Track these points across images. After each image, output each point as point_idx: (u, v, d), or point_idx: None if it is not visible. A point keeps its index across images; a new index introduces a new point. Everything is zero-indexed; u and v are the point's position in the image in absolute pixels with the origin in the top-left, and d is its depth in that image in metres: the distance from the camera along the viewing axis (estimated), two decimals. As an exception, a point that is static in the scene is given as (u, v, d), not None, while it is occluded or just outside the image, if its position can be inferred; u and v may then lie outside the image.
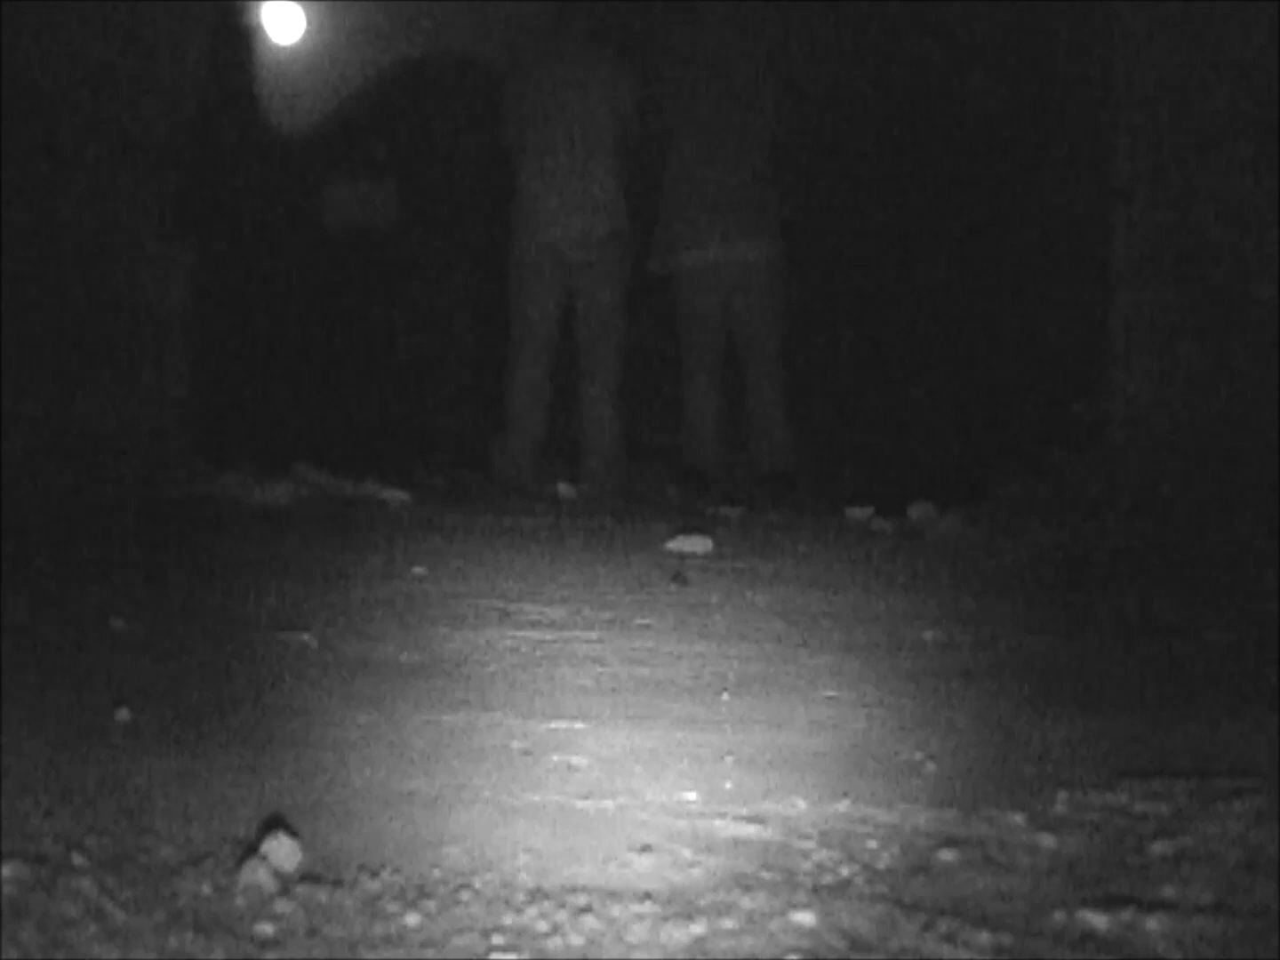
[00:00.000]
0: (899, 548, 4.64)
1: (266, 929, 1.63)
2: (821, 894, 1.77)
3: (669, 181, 6.18)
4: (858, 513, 5.26)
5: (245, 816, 1.97)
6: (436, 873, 1.81)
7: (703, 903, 1.73)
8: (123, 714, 2.45)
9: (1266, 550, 4.13)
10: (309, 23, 6.99)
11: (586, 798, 2.12)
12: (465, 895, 1.75)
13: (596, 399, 6.14)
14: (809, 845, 1.94)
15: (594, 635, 3.23)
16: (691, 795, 2.14)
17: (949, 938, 1.64)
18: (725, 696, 2.73)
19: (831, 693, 2.77)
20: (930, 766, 2.30)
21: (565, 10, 6.12)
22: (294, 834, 1.83)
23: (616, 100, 6.04)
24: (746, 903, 1.73)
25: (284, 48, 6.96)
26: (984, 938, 1.64)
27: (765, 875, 1.83)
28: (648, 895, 1.75)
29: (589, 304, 6.09)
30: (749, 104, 6.12)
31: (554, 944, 1.63)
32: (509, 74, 6.19)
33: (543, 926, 1.66)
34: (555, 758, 2.31)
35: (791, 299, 6.40)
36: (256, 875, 1.74)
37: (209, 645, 3.02)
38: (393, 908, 1.71)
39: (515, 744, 2.38)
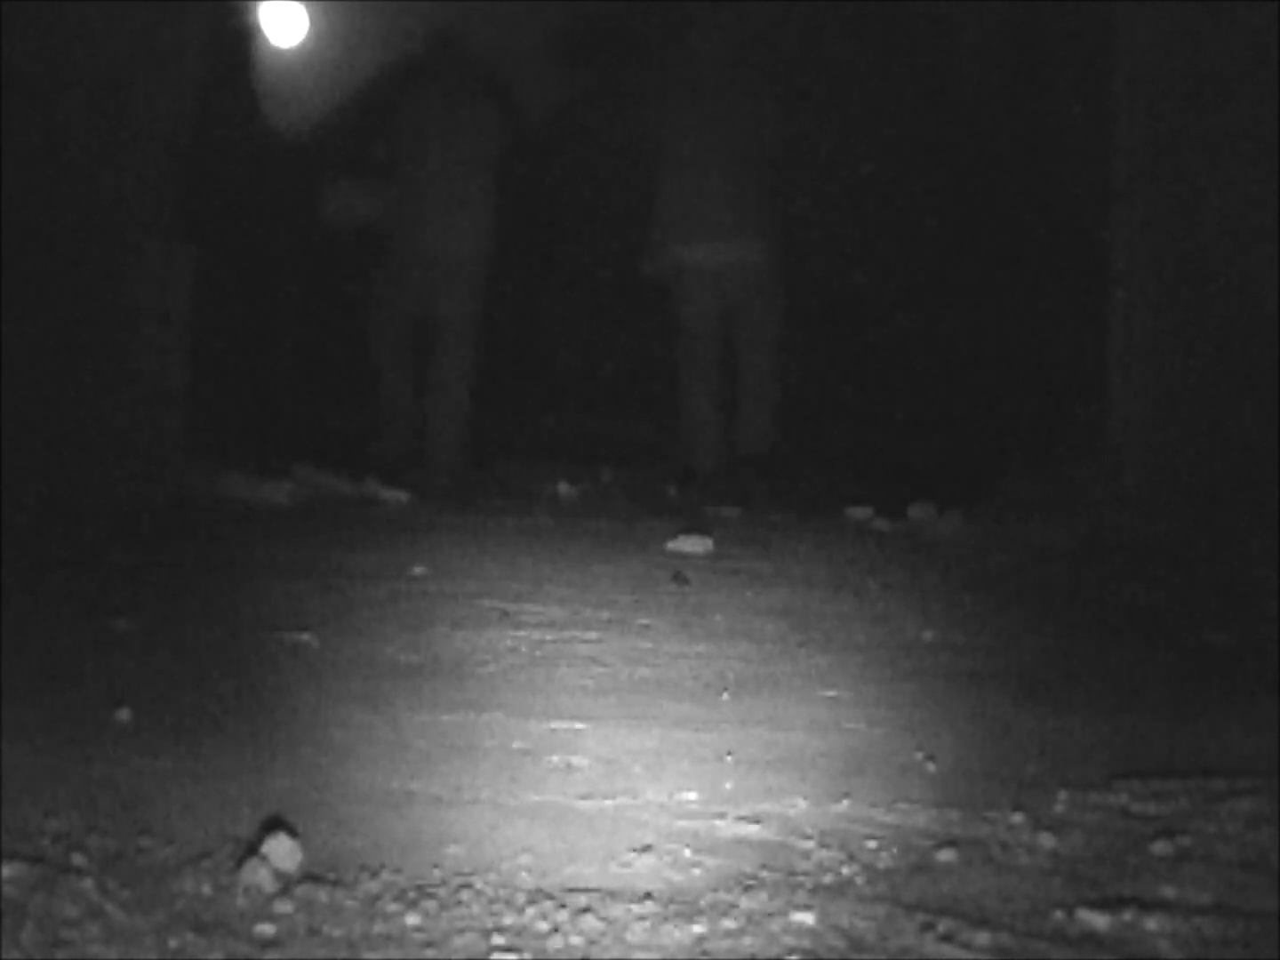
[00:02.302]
0: (899, 548, 4.64)
1: (266, 929, 1.63)
2: (821, 894, 1.77)
3: (663, 185, 6.20)
4: (858, 513, 5.26)
5: (245, 816, 1.97)
6: (436, 873, 1.81)
7: (703, 903, 1.73)
8: (123, 714, 2.44)
9: (1266, 550, 4.13)
10: (310, 23, 7.00)
11: (586, 798, 2.12)
12: (465, 895, 1.75)
13: (447, 393, 6.60)
14: (809, 845, 1.94)
15: (594, 635, 3.23)
16: (691, 795, 2.14)
17: (949, 938, 1.64)
18: (725, 696, 2.73)
19: (831, 693, 2.77)
20: (930, 766, 2.30)
21: (443, 45, 6.59)
22: (294, 834, 1.83)
23: (489, 127, 6.52)
24: (746, 903, 1.73)
25: (285, 49, 6.97)
26: (984, 938, 1.64)
27: (765, 875, 1.83)
28: (648, 895, 1.75)
29: (450, 314, 6.54)
30: (744, 110, 6.15)
31: (554, 944, 1.63)
32: (390, 97, 6.63)
33: (543, 926, 1.66)
34: (555, 758, 2.31)
35: (787, 298, 6.42)
36: (256, 875, 1.74)
37: (209, 645, 3.02)
38: (393, 908, 1.71)
39: (515, 744, 2.38)
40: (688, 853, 1.90)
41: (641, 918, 1.69)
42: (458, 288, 6.53)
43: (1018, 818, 2.04)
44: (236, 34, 6.73)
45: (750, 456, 6.22)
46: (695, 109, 6.17)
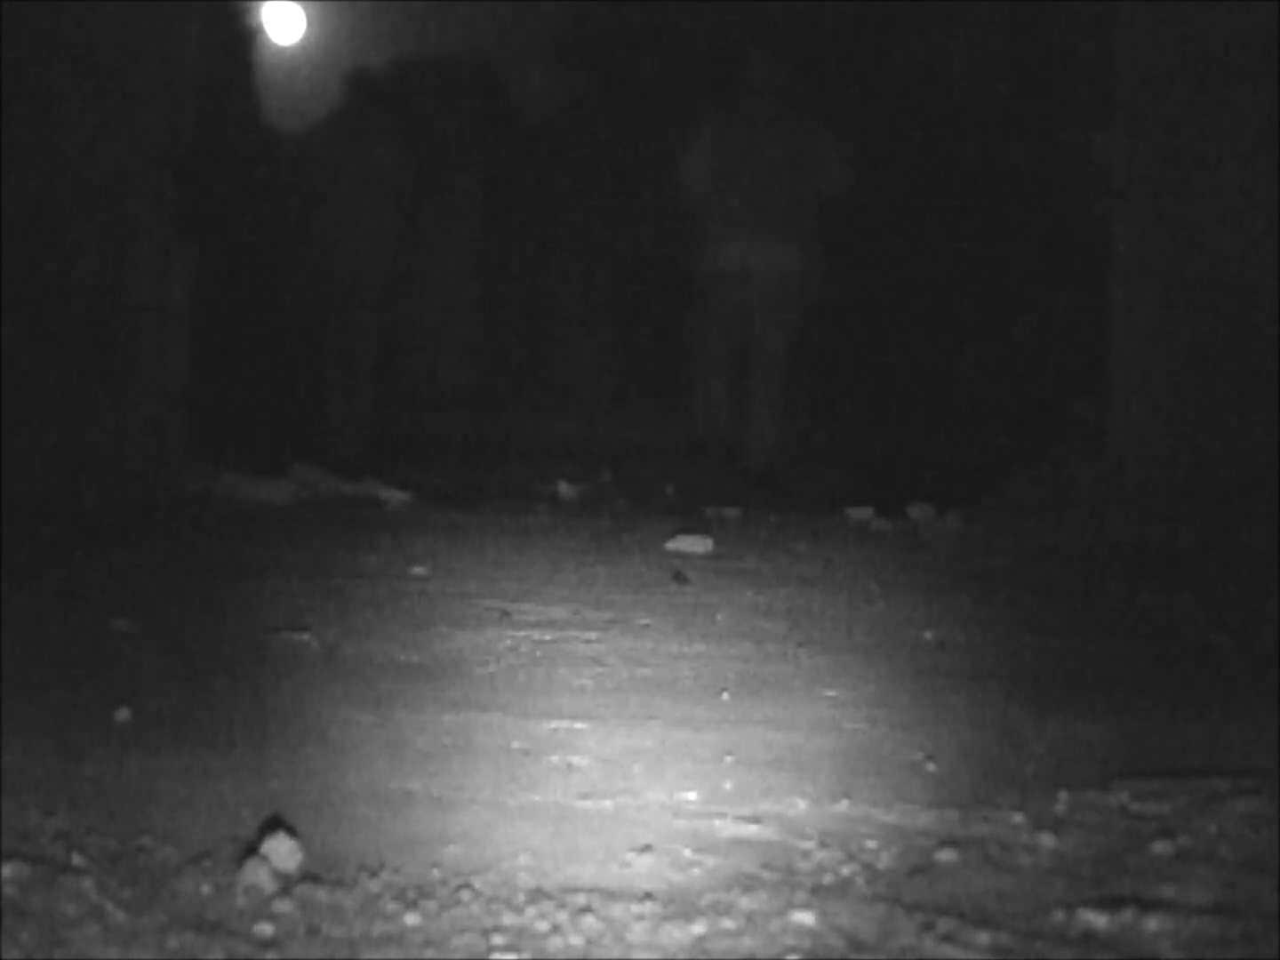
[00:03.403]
0: (899, 548, 4.64)
1: (266, 929, 1.63)
2: (821, 894, 1.77)
3: (713, 199, 6.41)
4: (858, 513, 5.26)
5: (245, 816, 1.97)
6: (436, 873, 1.81)
7: (703, 903, 1.73)
8: (123, 714, 2.44)
9: (1266, 550, 4.13)
10: (309, 23, 7.01)
11: (586, 798, 2.12)
12: (465, 895, 1.74)
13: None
14: (809, 845, 1.94)
15: (594, 635, 3.23)
16: (691, 795, 2.14)
17: (949, 938, 1.64)
18: (725, 696, 2.73)
19: (831, 693, 2.77)
20: (930, 766, 2.30)
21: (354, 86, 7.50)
22: (294, 834, 1.83)
23: (391, 159, 7.50)
24: (746, 903, 1.73)
25: (284, 48, 6.98)
26: (984, 938, 1.64)
27: (765, 875, 1.83)
28: (648, 895, 1.75)
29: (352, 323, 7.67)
30: (792, 139, 6.36)
31: (554, 944, 1.63)
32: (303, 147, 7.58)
33: (543, 926, 1.66)
34: (555, 758, 2.31)
35: (808, 311, 6.60)
36: (256, 875, 1.74)
37: (209, 645, 3.02)
38: (393, 908, 1.71)
39: (515, 744, 2.38)
40: (688, 853, 1.90)
41: (641, 918, 1.69)
42: (357, 302, 7.43)
43: (1018, 818, 2.04)
44: (236, 34, 6.73)
45: (755, 473, 6.40)
46: (746, 135, 6.37)
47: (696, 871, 1.84)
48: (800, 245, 6.46)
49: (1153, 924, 1.68)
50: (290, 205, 7.32)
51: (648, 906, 1.72)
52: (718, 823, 2.02)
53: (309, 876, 1.77)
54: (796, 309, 6.56)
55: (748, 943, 1.63)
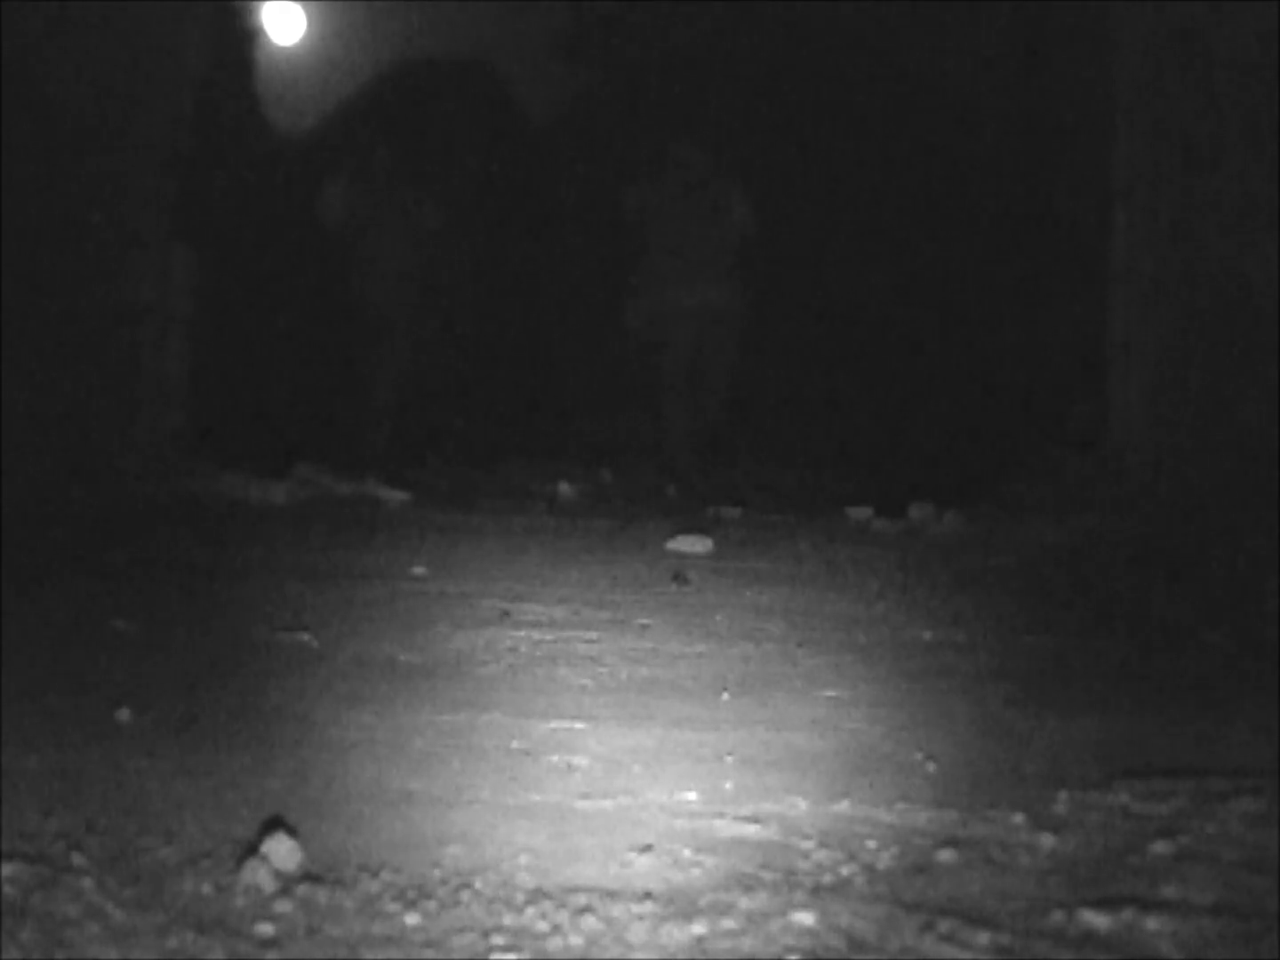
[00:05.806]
0: (899, 548, 4.64)
1: (266, 929, 1.63)
2: (821, 894, 1.77)
3: (650, 248, 6.70)
4: (858, 513, 5.27)
5: (245, 816, 1.97)
6: (436, 873, 1.81)
7: (703, 903, 1.73)
8: (123, 714, 2.44)
9: (1266, 550, 4.13)
10: (309, 23, 7.01)
11: (586, 798, 2.12)
12: (465, 895, 1.74)
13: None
14: (809, 845, 1.94)
15: (594, 635, 3.23)
16: (691, 795, 2.14)
17: (949, 938, 1.64)
18: (725, 696, 2.73)
19: (831, 693, 2.77)
20: (930, 766, 2.30)
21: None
22: (294, 834, 1.83)
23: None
24: (746, 903, 1.73)
25: (284, 48, 6.98)
26: (984, 938, 1.64)
27: (765, 875, 1.83)
28: (648, 895, 1.75)
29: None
30: (719, 193, 6.97)
31: (554, 944, 1.63)
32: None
33: (543, 926, 1.66)
34: (555, 758, 2.31)
35: (745, 340, 6.94)
36: (256, 875, 1.74)
37: (209, 645, 3.02)
38: (393, 908, 1.71)
39: (515, 744, 2.38)
40: (688, 853, 1.90)
41: (641, 918, 1.69)
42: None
43: (1018, 818, 2.04)
44: (236, 34, 6.73)
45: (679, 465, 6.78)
46: (680, 187, 6.94)
47: (696, 871, 1.84)
48: (724, 286, 6.96)
49: (1153, 924, 1.68)
50: (291, 205, 7.31)
51: (648, 906, 1.72)
52: (718, 823, 2.02)
53: (309, 876, 1.77)
54: (726, 339, 7.03)
55: (748, 943, 1.63)
